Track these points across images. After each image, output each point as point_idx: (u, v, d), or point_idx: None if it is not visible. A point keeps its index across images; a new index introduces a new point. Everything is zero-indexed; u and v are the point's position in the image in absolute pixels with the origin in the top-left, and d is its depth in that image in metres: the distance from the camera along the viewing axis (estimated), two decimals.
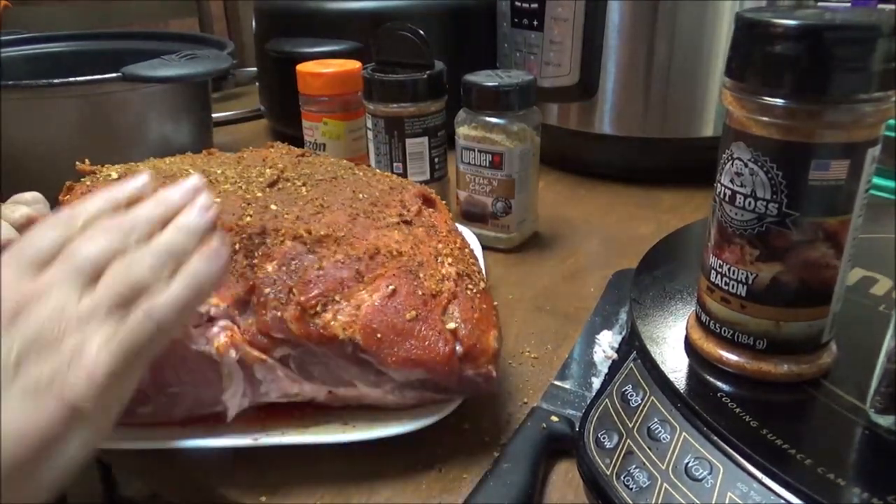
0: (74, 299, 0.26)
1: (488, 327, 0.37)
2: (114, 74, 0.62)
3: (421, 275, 0.37)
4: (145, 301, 0.27)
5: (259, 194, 0.40)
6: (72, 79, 0.62)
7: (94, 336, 0.26)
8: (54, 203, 0.43)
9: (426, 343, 0.35)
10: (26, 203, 0.41)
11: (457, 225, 0.46)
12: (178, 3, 1.53)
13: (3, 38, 0.80)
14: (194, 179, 0.31)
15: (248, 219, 0.38)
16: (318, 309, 0.35)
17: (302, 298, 0.35)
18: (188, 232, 0.29)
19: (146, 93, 0.67)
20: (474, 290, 0.38)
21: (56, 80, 0.61)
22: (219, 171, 0.43)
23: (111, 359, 0.26)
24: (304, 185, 0.43)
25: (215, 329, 0.35)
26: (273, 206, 0.39)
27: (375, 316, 0.35)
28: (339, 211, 0.40)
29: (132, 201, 0.31)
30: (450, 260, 0.39)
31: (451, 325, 0.36)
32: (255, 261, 0.36)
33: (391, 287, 0.36)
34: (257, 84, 0.96)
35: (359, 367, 0.35)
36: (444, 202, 0.48)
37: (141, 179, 0.32)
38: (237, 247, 0.36)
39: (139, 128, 0.68)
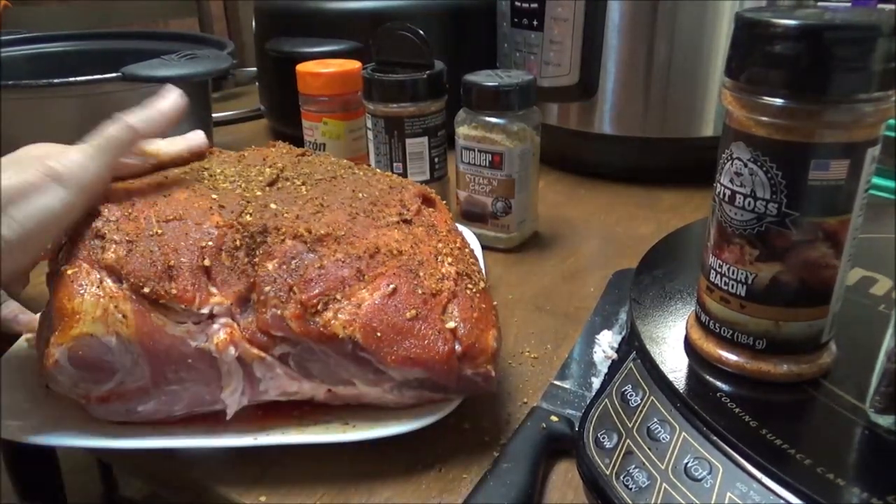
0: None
1: (487, 327, 0.37)
2: (114, 74, 0.62)
3: (421, 274, 0.37)
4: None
5: (259, 193, 0.40)
6: (72, 79, 0.62)
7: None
8: None
9: (425, 342, 0.35)
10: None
11: (457, 225, 0.46)
12: (178, 3, 1.53)
13: (3, 38, 0.80)
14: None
15: (249, 217, 0.38)
16: (319, 307, 0.35)
17: (303, 297, 0.35)
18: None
19: (146, 93, 0.65)
20: (474, 290, 0.38)
21: (56, 80, 0.61)
22: (218, 170, 0.43)
23: (84, 148, 0.36)
24: (303, 184, 0.43)
25: (215, 326, 0.35)
26: (273, 205, 0.39)
27: (375, 315, 0.35)
28: (339, 210, 0.40)
29: None
30: (449, 259, 0.39)
31: (451, 325, 0.36)
32: (256, 259, 0.36)
33: (391, 286, 0.36)
34: (257, 84, 0.96)
35: (358, 365, 0.35)
36: (443, 202, 0.48)
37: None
38: (238, 244, 0.36)
39: None
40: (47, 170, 0.34)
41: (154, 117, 0.39)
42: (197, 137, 0.45)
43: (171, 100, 0.41)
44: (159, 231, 0.36)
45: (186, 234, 0.36)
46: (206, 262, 0.35)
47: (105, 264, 0.34)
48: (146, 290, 0.34)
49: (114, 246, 0.35)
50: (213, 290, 0.35)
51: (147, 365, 0.34)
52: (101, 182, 0.37)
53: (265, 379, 0.36)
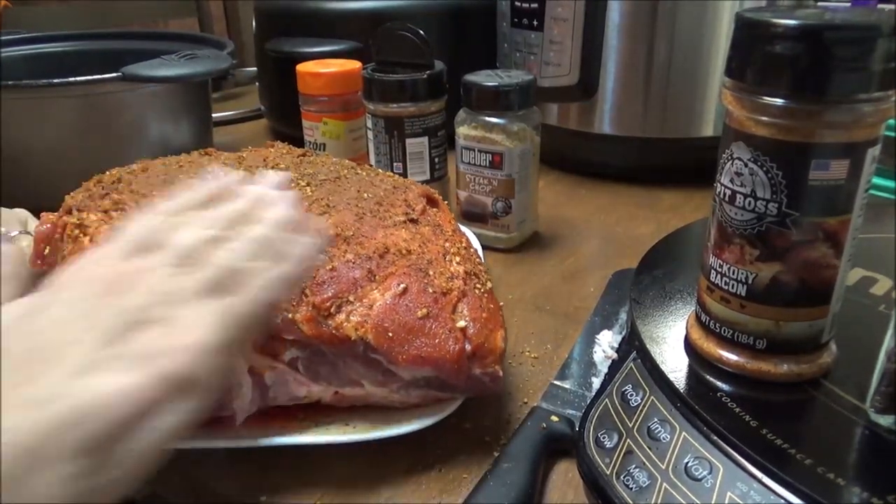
0: (174, 281, 0.27)
1: (496, 326, 0.37)
2: (114, 74, 0.62)
3: (430, 273, 0.37)
4: (245, 283, 0.28)
5: None
6: (72, 79, 0.62)
7: (195, 313, 0.26)
8: (54, 203, 0.43)
9: (436, 341, 0.35)
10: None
11: (458, 225, 0.46)
12: (177, 3, 1.53)
13: (3, 38, 0.80)
14: (279, 175, 0.34)
15: None
16: (332, 310, 0.35)
17: (315, 299, 0.35)
18: (278, 225, 0.31)
19: (146, 93, 0.67)
20: (482, 290, 0.38)
21: (56, 80, 0.61)
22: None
23: (213, 333, 0.26)
24: (307, 185, 0.43)
25: None
26: None
27: (387, 315, 0.35)
28: (345, 210, 0.40)
29: (220, 196, 0.32)
30: (458, 259, 0.39)
31: (461, 324, 0.35)
32: None
33: (402, 285, 0.36)
34: (257, 84, 0.96)
35: (367, 366, 0.35)
36: (445, 202, 0.48)
37: (231, 177, 0.34)
38: None
39: (139, 128, 0.68)
40: (161, 374, 0.24)
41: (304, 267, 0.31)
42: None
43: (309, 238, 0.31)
44: None
45: None
46: None
47: None
48: None
49: None
50: None
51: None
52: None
53: (275, 386, 0.36)
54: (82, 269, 0.28)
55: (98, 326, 0.25)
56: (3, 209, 0.51)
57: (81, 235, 0.38)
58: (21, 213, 0.52)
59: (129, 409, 0.24)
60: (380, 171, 0.48)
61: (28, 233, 0.50)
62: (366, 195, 0.42)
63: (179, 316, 0.26)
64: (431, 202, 0.46)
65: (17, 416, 0.22)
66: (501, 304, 0.39)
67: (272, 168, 0.45)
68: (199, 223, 0.30)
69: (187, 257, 0.28)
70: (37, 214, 0.48)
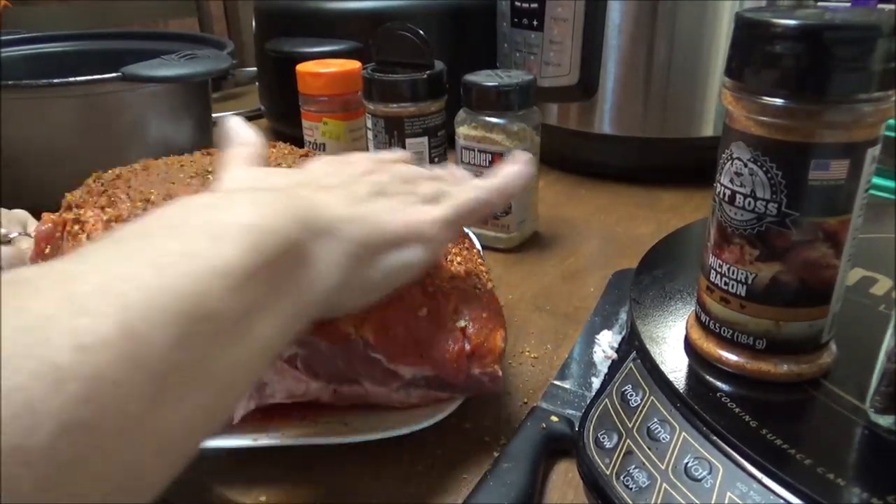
0: (403, 184, 0.36)
1: (496, 326, 0.37)
2: (114, 74, 0.62)
3: (431, 272, 0.37)
4: (466, 189, 0.37)
5: None
6: (72, 79, 0.62)
7: (428, 201, 0.35)
8: (54, 203, 0.43)
9: (436, 340, 0.35)
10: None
11: None
12: (177, 3, 1.53)
13: (3, 38, 0.80)
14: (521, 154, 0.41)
15: None
16: None
17: None
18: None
19: (146, 93, 0.67)
20: (482, 290, 0.38)
21: (56, 80, 0.61)
22: None
23: (442, 211, 0.34)
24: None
25: None
26: None
27: (387, 314, 0.35)
28: None
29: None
30: (458, 259, 0.39)
31: (461, 323, 0.35)
32: None
33: (402, 284, 0.36)
34: (257, 84, 0.96)
35: (367, 365, 0.35)
36: None
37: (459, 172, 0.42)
38: None
39: (139, 128, 0.68)
40: (415, 230, 0.33)
41: (509, 190, 0.38)
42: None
43: (521, 168, 0.39)
44: None
45: None
46: None
47: None
48: None
49: None
50: None
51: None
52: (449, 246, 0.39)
53: (273, 383, 0.36)
54: (330, 160, 0.38)
55: (351, 189, 0.34)
56: (2, 210, 0.51)
57: (80, 232, 0.38)
58: (21, 214, 0.52)
59: (394, 229, 0.32)
60: None
61: (28, 234, 0.50)
62: None
63: (418, 197, 0.35)
64: None
65: (313, 208, 0.30)
66: (502, 304, 0.39)
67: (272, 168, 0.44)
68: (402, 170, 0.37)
69: (415, 178, 0.37)
70: (36, 214, 0.49)
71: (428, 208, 0.34)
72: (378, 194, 0.34)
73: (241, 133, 0.38)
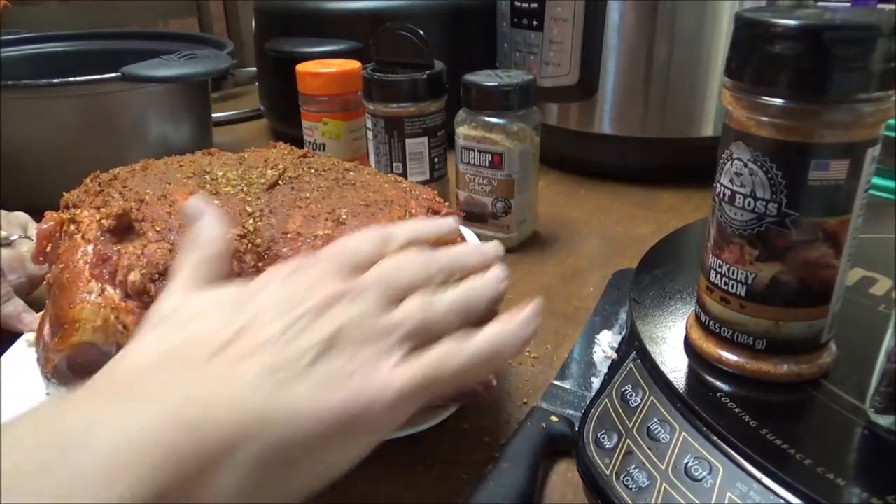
0: (378, 313, 0.28)
1: None
2: (114, 74, 0.62)
3: None
4: (446, 344, 0.28)
5: (263, 196, 0.40)
6: (72, 79, 0.62)
7: (390, 354, 0.27)
8: (54, 203, 0.43)
9: None
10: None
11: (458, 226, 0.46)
12: (177, 3, 1.53)
13: (3, 38, 0.80)
14: (495, 246, 0.35)
15: (255, 221, 0.37)
16: None
17: None
18: (482, 294, 0.31)
19: (146, 93, 0.67)
20: None
21: (56, 80, 0.61)
22: (220, 174, 0.43)
23: (406, 381, 0.26)
24: (308, 186, 0.43)
25: None
26: (279, 208, 0.39)
27: None
28: (345, 212, 0.40)
29: (438, 242, 0.34)
30: None
31: None
32: (261, 264, 0.36)
33: None
34: (257, 84, 0.96)
35: None
36: (447, 204, 0.48)
37: (448, 222, 0.36)
38: (244, 249, 0.36)
39: (139, 128, 0.68)
40: (360, 412, 0.25)
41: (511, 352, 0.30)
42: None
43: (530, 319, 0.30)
44: (169, 245, 0.35)
45: None
46: None
47: (132, 289, 0.34)
48: None
49: (127, 262, 0.34)
50: None
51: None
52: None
53: None
54: (294, 272, 0.29)
55: (292, 346, 0.25)
56: (2, 212, 0.51)
57: (76, 231, 0.38)
58: (21, 216, 0.52)
59: (329, 418, 0.24)
60: (380, 173, 0.48)
61: (28, 237, 0.50)
62: (366, 197, 0.42)
63: (376, 351, 0.26)
64: (435, 213, 0.45)
65: (212, 406, 0.23)
66: (501, 304, 0.39)
67: (271, 169, 0.44)
68: (412, 263, 0.30)
69: (395, 294, 0.28)
70: (37, 215, 0.48)
71: (389, 374, 0.26)
72: (327, 350, 0.26)
73: (204, 231, 0.32)
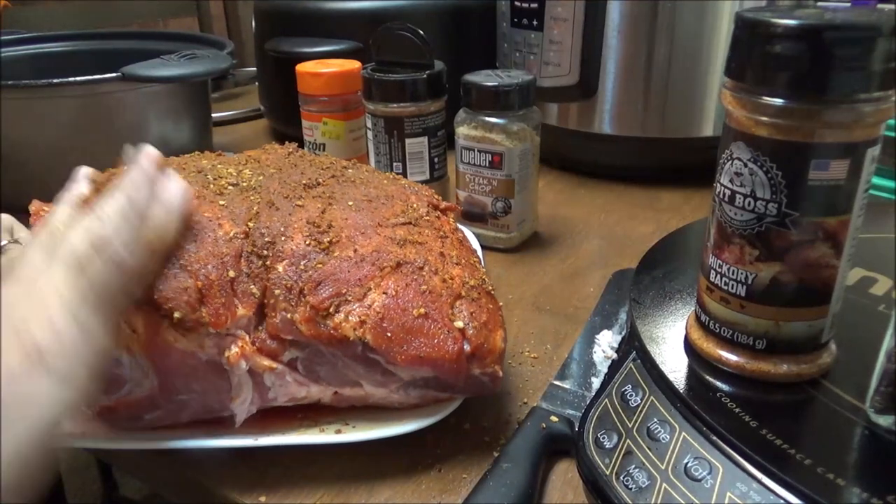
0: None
1: (496, 327, 0.37)
2: (114, 74, 0.62)
3: (429, 273, 0.37)
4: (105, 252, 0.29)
5: (264, 195, 0.40)
6: (72, 79, 0.62)
7: (57, 276, 0.28)
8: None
9: (435, 341, 0.35)
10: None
11: (457, 225, 0.46)
12: (177, 3, 1.53)
13: (3, 38, 0.80)
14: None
15: (258, 221, 0.37)
16: (331, 310, 0.34)
17: (314, 300, 0.34)
18: (135, 186, 0.33)
19: (146, 93, 0.67)
20: (481, 290, 0.38)
21: (56, 80, 0.61)
22: (221, 174, 0.43)
23: (72, 298, 0.27)
24: (308, 185, 0.43)
25: (227, 339, 0.35)
26: (280, 207, 0.39)
27: (385, 315, 0.35)
28: (345, 210, 0.40)
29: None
30: (456, 260, 0.39)
31: (459, 324, 0.35)
32: (268, 262, 0.36)
33: (400, 286, 0.36)
34: (257, 84, 0.96)
35: (366, 366, 0.35)
36: (446, 203, 0.48)
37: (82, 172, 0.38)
38: (251, 249, 0.36)
39: (139, 128, 0.68)
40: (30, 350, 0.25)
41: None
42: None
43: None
44: (175, 248, 0.35)
45: (203, 245, 0.35)
46: (232, 274, 0.35)
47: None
48: (177, 316, 0.33)
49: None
50: (237, 302, 0.35)
51: (157, 377, 0.34)
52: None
53: (274, 387, 0.36)
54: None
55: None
56: None
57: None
58: (5, 220, 0.50)
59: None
60: (379, 171, 0.48)
61: (17, 241, 0.49)
62: (365, 195, 0.42)
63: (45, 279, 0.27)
64: (434, 207, 0.45)
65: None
66: (501, 304, 0.39)
67: (272, 169, 0.44)
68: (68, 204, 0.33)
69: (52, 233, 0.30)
70: (22, 216, 0.47)
71: (42, 309, 0.27)
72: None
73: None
